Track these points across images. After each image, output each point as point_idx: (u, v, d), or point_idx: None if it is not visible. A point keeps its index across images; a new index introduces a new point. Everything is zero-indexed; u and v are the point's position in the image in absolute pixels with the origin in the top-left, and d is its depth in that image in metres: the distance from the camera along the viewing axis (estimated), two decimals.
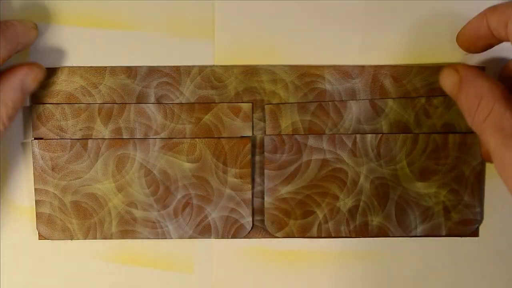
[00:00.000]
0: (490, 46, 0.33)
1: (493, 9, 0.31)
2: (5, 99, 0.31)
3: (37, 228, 0.35)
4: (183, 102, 0.35)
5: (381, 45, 0.35)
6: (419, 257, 0.36)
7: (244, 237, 0.35)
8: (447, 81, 0.33)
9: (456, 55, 0.35)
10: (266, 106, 0.35)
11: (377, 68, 0.35)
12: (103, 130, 0.35)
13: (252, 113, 0.35)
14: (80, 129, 0.35)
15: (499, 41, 0.32)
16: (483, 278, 0.36)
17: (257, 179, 0.35)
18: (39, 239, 0.35)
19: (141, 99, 0.35)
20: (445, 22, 0.35)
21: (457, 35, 0.34)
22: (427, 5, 0.35)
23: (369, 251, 0.36)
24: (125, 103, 0.35)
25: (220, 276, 0.36)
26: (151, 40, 0.35)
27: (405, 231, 0.35)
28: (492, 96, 0.30)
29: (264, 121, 0.35)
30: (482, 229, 0.36)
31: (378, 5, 0.35)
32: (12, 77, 0.32)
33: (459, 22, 0.34)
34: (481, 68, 0.34)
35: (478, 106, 0.30)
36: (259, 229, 0.36)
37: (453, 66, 0.33)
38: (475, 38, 0.32)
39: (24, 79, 0.32)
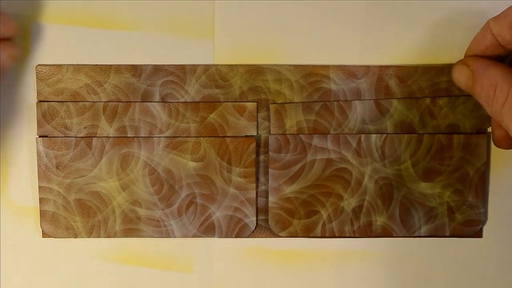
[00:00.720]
0: (499, 57, 0.33)
1: (495, 17, 0.31)
2: None
3: (41, 226, 0.35)
4: (188, 101, 0.35)
5: (382, 44, 0.35)
6: (421, 257, 0.36)
7: (248, 237, 0.35)
8: (460, 77, 0.33)
9: (457, 54, 0.35)
10: (271, 106, 0.35)
11: (382, 68, 0.35)
12: (107, 129, 0.35)
13: (257, 112, 0.35)
14: (85, 127, 0.35)
15: (507, 50, 0.32)
16: (484, 279, 0.36)
17: (262, 179, 0.35)
18: (42, 237, 0.35)
19: (146, 98, 0.35)
20: (448, 21, 0.35)
21: (465, 53, 0.34)
22: (427, 4, 0.35)
23: (372, 251, 0.36)
24: (130, 102, 0.35)
25: (220, 276, 0.36)
26: (151, 40, 0.35)
27: (409, 232, 0.35)
28: (506, 82, 0.30)
29: (269, 121, 0.35)
30: (485, 230, 0.36)
31: (378, 5, 0.35)
32: None
33: (462, 22, 0.34)
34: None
35: (494, 95, 0.30)
36: (263, 229, 0.36)
37: (463, 61, 0.33)
38: (482, 51, 0.32)
39: None
